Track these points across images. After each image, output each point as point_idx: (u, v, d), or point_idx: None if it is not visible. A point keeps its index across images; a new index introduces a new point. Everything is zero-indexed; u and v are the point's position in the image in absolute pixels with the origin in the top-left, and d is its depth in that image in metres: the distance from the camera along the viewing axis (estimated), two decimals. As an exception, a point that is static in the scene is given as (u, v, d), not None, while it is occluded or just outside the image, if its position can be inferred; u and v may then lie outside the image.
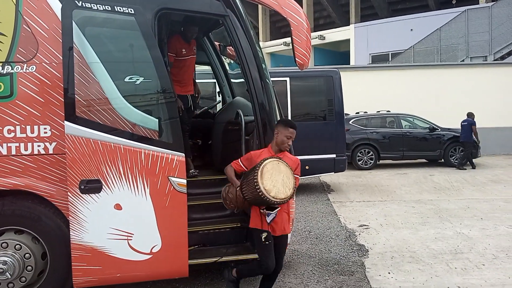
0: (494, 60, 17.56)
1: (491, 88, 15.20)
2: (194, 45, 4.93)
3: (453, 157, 12.23)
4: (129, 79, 3.46)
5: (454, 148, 12.19)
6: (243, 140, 4.19)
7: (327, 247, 5.22)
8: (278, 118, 4.11)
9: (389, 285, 4.05)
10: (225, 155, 4.82)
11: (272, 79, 8.09)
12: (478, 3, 20.64)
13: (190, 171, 4.42)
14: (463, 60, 18.16)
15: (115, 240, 3.37)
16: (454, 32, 18.86)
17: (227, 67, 6.08)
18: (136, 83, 3.48)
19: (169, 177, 3.44)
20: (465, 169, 11.69)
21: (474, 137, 11.92)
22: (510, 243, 5.19)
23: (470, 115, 11.98)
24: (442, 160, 12.43)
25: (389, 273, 4.37)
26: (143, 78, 3.50)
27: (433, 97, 15.04)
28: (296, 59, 3.82)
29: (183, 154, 3.54)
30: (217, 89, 6.33)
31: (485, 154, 13.41)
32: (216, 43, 5.86)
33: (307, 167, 8.44)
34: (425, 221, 6.37)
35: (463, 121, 11.93)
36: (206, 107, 6.33)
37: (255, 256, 3.90)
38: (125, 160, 3.35)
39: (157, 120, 3.49)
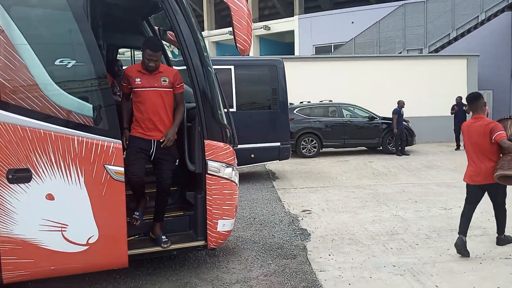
0: (429, 53, 18.53)
1: (426, 80, 16.07)
2: (162, 75, 3.89)
3: (390, 145, 12.84)
4: (59, 62, 3.26)
5: (391, 136, 12.79)
6: (185, 127, 4.12)
7: (271, 233, 5.29)
8: (221, 106, 4.08)
9: (329, 267, 4.18)
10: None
11: (216, 67, 8.01)
12: (415, -2, 21.62)
13: None
14: (400, 52, 18.98)
15: (48, 232, 3.19)
16: (392, 25, 19.64)
17: (169, 54, 5.93)
18: (67, 66, 3.28)
19: (105, 165, 3.31)
20: (408, 154, 12.36)
21: (406, 124, 12.58)
22: (442, 223, 5.54)
23: (399, 103, 12.53)
24: (381, 148, 13.01)
25: (329, 255, 4.51)
26: (75, 62, 3.31)
27: (372, 87, 15.64)
28: (237, 44, 3.80)
29: (120, 141, 3.42)
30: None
31: (419, 142, 14.21)
32: (156, 28, 5.68)
33: (252, 156, 8.53)
34: (364, 205, 6.64)
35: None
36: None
37: (199, 243, 3.89)
38: (56, 147, 3.16)
39: (90, 105, 3.32)
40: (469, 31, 19.06)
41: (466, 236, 4.42)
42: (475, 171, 4.43)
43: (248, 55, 4.39)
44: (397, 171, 9.84)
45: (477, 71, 16.97)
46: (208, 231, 3.85)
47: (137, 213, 3.91)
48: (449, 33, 18.53)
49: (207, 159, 3.81)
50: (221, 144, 3.88)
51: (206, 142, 3.82)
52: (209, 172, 3.80)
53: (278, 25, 26.56)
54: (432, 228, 5.35)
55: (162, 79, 3.85)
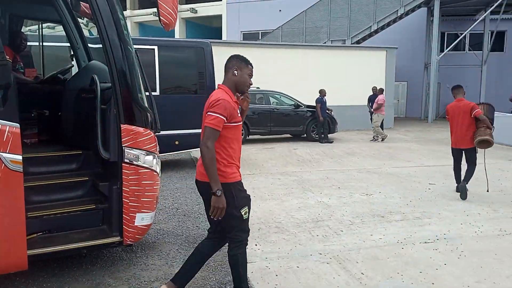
0: (352, 44, 19.19)
1: (349, 70, 16.63)
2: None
3: (314, 132, 13.11)
4: None
5: (315, 124, 13.05)
6: (99, 110, 3.67)
7: (195, 224, 5.02)
8: (142, 88, 3.70)
9: (256, 257, 4.03)
10: (78, 128, 4.23)
11: (137, 47, 7.45)
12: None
13: None
14: (325, 42, 19.45)
15: None
16: (318, 15, 20.03)
17: (84, 27, 5.34)
18: None
19: (-1, 153, 2.80)
20: (332, 142, 12.69)
21: (329, 113, 12.95)
22: (364, 209, 5.66)
23: (320, 92, 12.82)
24: (305, 135, 13.23)
25: (256, 245, 4.36)
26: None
27: (298, 76, 15.85)
28: (161, 17, 3.41)
29: (18, 125, 2.92)
30: (71, 52, 5.53)
31: (341, 130, 14.69)
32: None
33: (176, 143, 8.14)
34: (289, 192, 6.61)
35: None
36: (55, 72, 5.48)
37: (114, 239, 3.51)
38: None
39: None
40: (388, 24, 20.04)
41: (461, 182, 6.30)
42: (458, 139, 6.35)
43: (174, 32, 4.03)
44: (321, 158, 10.03)
45: (395, 63, 17.91)
46: (124, 226, 3.48)
47: None
48: (371, 26, 19.33)
49: (124, 146, 3.42)
50: (141, 129, 3.51)
51: (123, 126, 3.42)
52: (126, 160, 3.41)
53: (205, 9, 25.93)
54: (355, 214, 5.44)
55: None
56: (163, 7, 3.28)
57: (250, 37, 24.28)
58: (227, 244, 3.05)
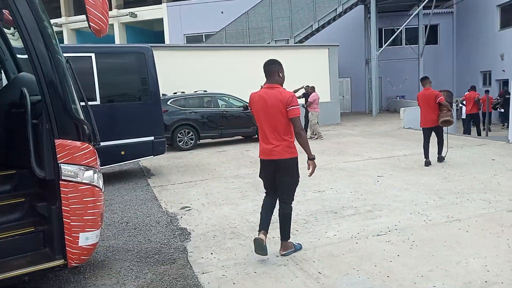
0: (295, 43, 19.45)
1: (293, 69, 16.77)
2: None
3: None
4: None
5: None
6: (30, 125, 3.40)
7: (147, 237, 4.81)
8: (76, 99, 3.46)
9: (212, 267, 3.91)
10: (10, 146, 3.92)
11: (72, 55, 7.06)
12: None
13: None
14: (269, 43, 19.58)
15: None
16: (261, 16, 20.14)
17: (11, 37, 4.95)
18: None
19: None
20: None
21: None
22: (317, 206, 5.69)
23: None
24: (256, 136, 13.22)
25: (211, 253, 4.23)
26: None
27: (245, 77, 15.81)
28: (91, 23, 3.20)
29: None
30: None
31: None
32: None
33: (123, 153, 7.82)
34: (244, 195, 6.53)
35: None
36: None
37: (58, 263, 3.26)
38: None
39: None
40: (329, 23, 20.53)
41: (429, 157, 7.97)
42: (427, 120, 7.97)
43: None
44: (273, 158, 10.03)
45: (337, 60, 18.36)
46: (67, 248, 3.24)
47: None
48: (312, 25, 19.70)
49: (60, 162, 3.18)
50: (78, 143, 3.29)
51: (58, 141, 3.19)
52: (63, 177, 3.18)
53: (145, 13, 25.32)
54: (309, 212, 5.45)
55: None
56: (92, 13, 3.08)
57: (194, 40, 24.00)
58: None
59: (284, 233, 4.07)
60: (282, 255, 4.04)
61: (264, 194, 4.23)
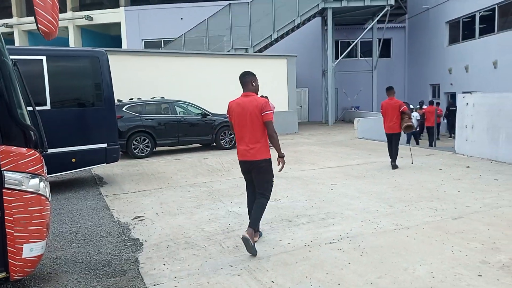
0: (254, 52, 19.63)
1: (252, 77, 16.95)
2: None
3: (223, 141, 13.11)
4: None
5: (224, 132, 13.07)
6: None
7: (97, 248, 4.65)
8: (23, 103, 3.32)
9: (164, 278, 3.83)
10: None
11: (21, 57, 6.77)
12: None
13: None
14: (228, 51, 19.65)
15: None
16: (220, 24, 20.19)
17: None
18: None
19: None
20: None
21: None
22: (272, 214, 5.72)
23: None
24: (214, 144, 13.17)
25: (164, 264, 4.15)
26: None
27: (204, 84, 15.77)
28: (39, 25, 3.09)
29: None
30: None
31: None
32: None
33: (73, 160, 7.55)
34: (200, 204, 6.47)
35: None
36: None
37: (0, 275, 3.09)
38: None
39: None
40: (288, 33, 20.91)
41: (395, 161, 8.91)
42: (390, 127, 8.86)
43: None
44: (231, 166, 10.03)
45: (295, 70, 18.70)
46: (10, 260, 3.09)
47: None
48: (271, 35, 19.98)
49: (4, 170, 3.03)
50: (23, 149, 3.15)
51: (1, 148, 3.04)
52: (6, 186, 3.03)
53: (102, 16, 24.71)
54: (265, 220, 5.45)
55: None
56: (41, 14, 2.97)
57: (152, 46, 23.66)
58: None
59: (254, 220, 4.41)
60: (243, 238, 4.22)
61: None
